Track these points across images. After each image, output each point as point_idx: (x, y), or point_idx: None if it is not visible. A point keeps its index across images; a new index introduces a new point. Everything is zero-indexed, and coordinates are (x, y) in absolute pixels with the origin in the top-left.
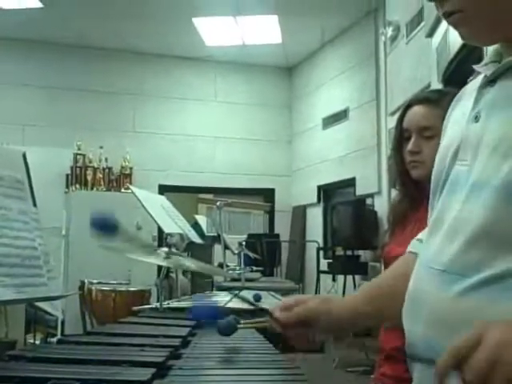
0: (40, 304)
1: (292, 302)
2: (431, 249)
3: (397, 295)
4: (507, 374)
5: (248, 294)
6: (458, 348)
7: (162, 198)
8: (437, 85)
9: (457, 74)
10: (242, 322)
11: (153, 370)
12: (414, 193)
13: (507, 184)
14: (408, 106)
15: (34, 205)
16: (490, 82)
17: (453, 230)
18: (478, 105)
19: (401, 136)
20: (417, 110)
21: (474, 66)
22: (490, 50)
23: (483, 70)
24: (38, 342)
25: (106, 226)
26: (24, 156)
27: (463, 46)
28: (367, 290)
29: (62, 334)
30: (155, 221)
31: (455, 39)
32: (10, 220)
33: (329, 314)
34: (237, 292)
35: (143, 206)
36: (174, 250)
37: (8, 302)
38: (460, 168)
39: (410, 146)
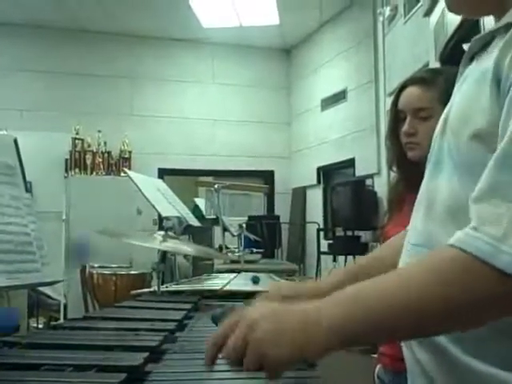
0: (42, 288)
1: None
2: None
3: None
4: (258, 348)
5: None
6: (219, 333)
7: (159, 181)
8: (435, 64)
9: (454, 53)
10: None
11: (146, 355)
12: (411, 174)
13: (457, 163)
14: (402, 87)
15: (27, 190)
16: (470, 60)
17: (417, 204)
18: (458, 84)
19: (396, 118)
20: (411, 91)
21: (464, 45)
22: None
23: (467, 48)
24: (41, 326)
25: None
26: (15, 142)
27: (461, 25)
28: (348, 268)
29: (65, 317)
30: (152, 204)
31: (453, 18)
32: (1, 206)
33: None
34: (235, 275)
35: (140, 189)
36: (171, 233)
37: (1, 289)
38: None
39: (405, 127)
